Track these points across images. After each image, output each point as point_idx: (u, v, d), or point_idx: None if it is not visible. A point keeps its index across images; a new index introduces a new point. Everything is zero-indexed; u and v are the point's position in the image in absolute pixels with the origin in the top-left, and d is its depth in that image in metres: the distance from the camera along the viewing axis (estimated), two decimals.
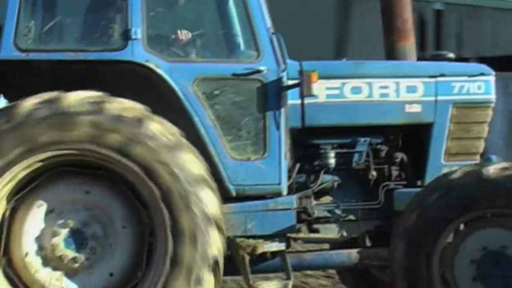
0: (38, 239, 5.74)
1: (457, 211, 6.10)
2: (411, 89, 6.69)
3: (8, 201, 5.73)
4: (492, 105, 6.88)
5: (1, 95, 6.27)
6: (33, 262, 5.71)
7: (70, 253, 5.73)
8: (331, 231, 6.60)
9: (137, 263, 5.79)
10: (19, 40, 5.91)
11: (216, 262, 5.65)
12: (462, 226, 6.29)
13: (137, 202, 5.79)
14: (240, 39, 6.58)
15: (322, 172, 6.58)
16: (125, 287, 5.77)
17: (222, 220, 5.72)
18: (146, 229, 5.79)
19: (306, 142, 6.63)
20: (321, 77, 6.28)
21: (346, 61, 6.97)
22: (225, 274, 5.91)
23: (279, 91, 6.21)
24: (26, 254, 5.71)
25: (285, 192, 6.27)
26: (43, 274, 5.72)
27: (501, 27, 17.54)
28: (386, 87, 6.65)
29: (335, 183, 6.65)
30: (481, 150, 6.87)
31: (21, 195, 5.75)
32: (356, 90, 6.59)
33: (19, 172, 5.63)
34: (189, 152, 5.69)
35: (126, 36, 5.96)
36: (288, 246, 6.41)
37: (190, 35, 6.30)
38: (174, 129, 5.72)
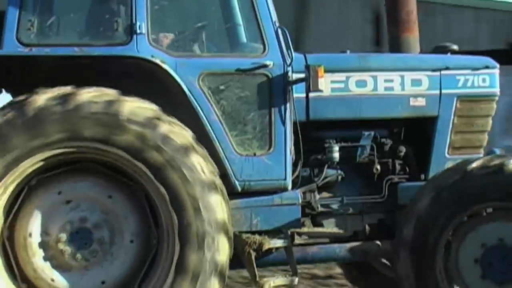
0: (46, 224, 5.67)
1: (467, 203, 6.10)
2: (416, 83, 6.66)
3: (28, 179, 5.64)
4: (497, 98, 6.86)
5: (3, 90, 6.17)
6: (34, 244, 5.65)
7: (72, 249, 5.68)
8: (335, 225, 6.59)
9: (132, 277, 5.74)
10: (22, 35, 5.81)
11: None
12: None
13: (151, 219, 5.75)
14: (246, 33, 6.53)
15: (326, 166, 6.56)
16: None
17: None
18: (151, 249, 5.76)
19: (310, 136, 6.59)
20: (326, 71, 6.23)
21: (350, 54, 6.91)
22: (230, 268, 5.89)
23: (285, 86, 6.18)
24: (30, 234, 5.65)
25: (290, 187, 6.25)
26: (39, 259, 5.67)
27: (454, 23, 17.95)
28: (391, 81, 6.62)
29: (339, 177, 6.64)
30: (484, 143, 6.87)
31: (43, 177, 5.67)
32: (361, 83, 6.56)
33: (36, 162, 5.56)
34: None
35: (131, 30, 5.88)
36: (292, 241, 6.40)
37: (172, 36, 6.22)
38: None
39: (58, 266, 5.68)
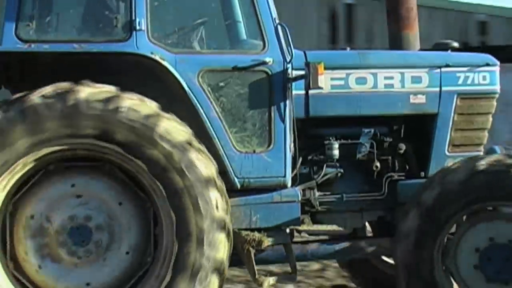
0: (51, 211, 5.63)
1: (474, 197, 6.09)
2: (416, 80, 6.64)
3: (47, 163, 5.61)
4: (497, 95, 6.84)
5: (2, 87, 6.15)
6: (33, 227, 5.62)
7: (68, 242, 5.64)
8: (334, 222, 6.58)
9: (118, 286, 5.70)
10: (21, 31, 5.79)
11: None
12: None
13: (153, 237, 5.72)
14: (246, 30, 6.51)
15: (326, 163, 6.55)
16: None
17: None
18: (143, 267, 5.72)
19: (310, 133, 6.58)
20: (325, 68, 6.21)
21: (350, 51, 6.89)
22: (229, 265, 5.88)
23: (285, 83, 6.16)
24: (32, 216, 5.62)
25: (289, 184, 6.24)
26: (33, 243, 5.62)
27: None
28: (391, 78, 6.60)
29: (339, 174, 6.62)
30: (485, 141, 6.85)
31: (62, 166, 5.65)
32: (361, 80, 6.54)
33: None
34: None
35: (130, 27, 5.86)
36: (292, 238, 6.39)
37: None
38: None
39: (49, 255, 5.63)
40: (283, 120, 6.16)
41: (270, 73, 6.12)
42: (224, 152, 6.03)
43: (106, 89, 5.55)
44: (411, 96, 6.64)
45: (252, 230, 6.12)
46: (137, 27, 5.85)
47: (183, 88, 5.88)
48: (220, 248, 5.59)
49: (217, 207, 5.58)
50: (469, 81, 6.73)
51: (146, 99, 5.60)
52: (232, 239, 5.73)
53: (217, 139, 6.00)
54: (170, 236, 5.59)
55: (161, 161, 5.52)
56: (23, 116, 5.41)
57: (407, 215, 6.13)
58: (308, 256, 6.76)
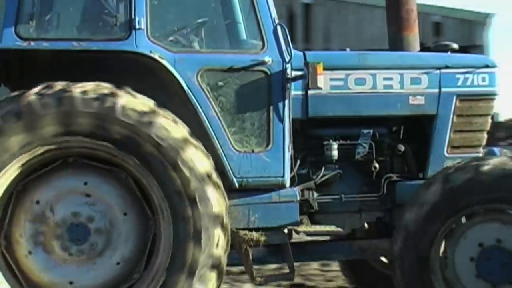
0: (57, 202, 5.62)
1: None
2: (416, 81, 6.64)
3: (68, 155, 5.61)
4: (496, 97, 6.84)
5: (1, 84, 6.16)
6: (35, 212, 5.60)
7: (64, 237, 5.62)
8: (333, 223, 6.57)
9: None
10: (21, 29, 5.79)
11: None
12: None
13: (147, 253, 5.70)
14: (245, 30, 6.51)
15: (325, 163, 6.55)
16: None
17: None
18: (129, 280, 5.70)
19: (309, 133, 6.59)
20: (325, 68, 6.21)
21: (350, 52, 6.89)
22: (227, 265, 5.87)
23: (284, 83, 6.16)
24: (37, 201, 5.61)
25: (288, 185, 6.24)
26: (30, 227, 5.61)
27: (365, 22, 18.20)
28: (390, 79, 6.60)
29: (338, 175, 6.62)
30: (483, 142, 6.84)
31: (81, 161, 5.65)
32: (360, 81, 6.54)
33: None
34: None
35: (130, 25, 5.87)
36: (290, 238, 6.38)
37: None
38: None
39: (43, 244, 5.61)
40: (282, 120, 6.16)
41: (269, 73, 6.12)
42: (223, 152, 6.03)
43: (145, 102, 5.57)
44: (410, 97, 6.64)
45: (250, 230, 6.11)
46: (137, 26, 5.86)
47: (182, 87, 5.88)
48: (209, 285, 5.58)
49: (217, 245, 5.58)
50: (468, 83, 6.73)
51: (179, 121, 5.63)
52: (223, 276, 5.72)
53: (215, 139, 6.00)
54: (164, 259, 5.58)
55: (177, 185, 5.52)
56: (60, 103, 5.42)
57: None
58: (306, 256, 6.78)
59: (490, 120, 6.86)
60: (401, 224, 6.16)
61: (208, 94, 6.01)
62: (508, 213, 6.17)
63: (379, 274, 7.45)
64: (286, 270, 6.31)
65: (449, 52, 6.85)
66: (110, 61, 5.83)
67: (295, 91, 6.31)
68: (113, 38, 5.87)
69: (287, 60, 6.13)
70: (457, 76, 6.71)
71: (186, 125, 5.69)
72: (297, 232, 6.56)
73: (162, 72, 5.86)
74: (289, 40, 6.19)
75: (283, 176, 6.18)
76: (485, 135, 6.86)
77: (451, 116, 6.69)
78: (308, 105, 6.43)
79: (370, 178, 6.66)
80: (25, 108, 5.42)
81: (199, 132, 5.83)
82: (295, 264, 6.33)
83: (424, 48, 7.14)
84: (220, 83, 6.07)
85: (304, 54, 6.40)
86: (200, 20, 6.27)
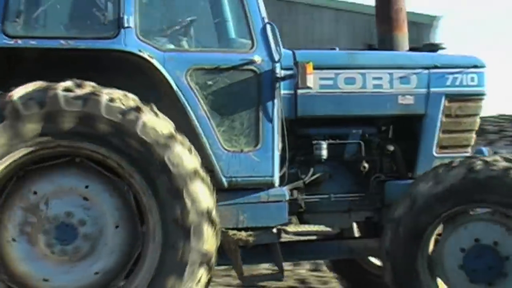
0: (53, 198, 5.55)
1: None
2: (405, 81, 6.65)
3: (77, 154, 5.56)
4: (485, 97, 6.86)
5: None
6: (30, 202, 5.54)
7: (50, 233, 5.54)
8: (322, 223, 6.56)
9: None
10: (8, 26, 5.72)
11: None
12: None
13: (130, 265, 5.66)
14: (235, 29, 6.48)
15: (314, 163, 6.54)
16: None
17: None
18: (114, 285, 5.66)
19: (298, 133, 6.57)
20: (314, 68, 6.20)
21: (339, 51, 6.88)
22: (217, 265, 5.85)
23: (273, 82, 6.14)
24: (35, 192, 5.55)
25: (277, 184, 6.22)
26: (20, 216, 5.53)
27: (315, 23, 18.40)
28: (379, 78, 6.60)
29: (327, 175, 6.61)
30: (472, 142, 6.87)
31: (89, 164, 5.61)
32: (349, 80, 6.53)
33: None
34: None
35: (118, 24, 5.82)
36: (279, 238, 6.36)
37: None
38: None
39: (28, 235, 5.53)
40: (271, 120, 6.14)
41: (258, 72, 6.10)
42: (212, 151, 5.99)
43: (166, 124, 5.55)
44: (399, 96, 6.65)
45: (239, 229, 6.08)
46: (125, 24, 5.81)
47: (171, 86, 5.85)
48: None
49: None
50: (457, 83, 6.74)
51: (194, 151, 5.62)
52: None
53: (204, 138, 5.97)
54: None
55: (176, 214, 5.50)
56: (85, 104, 5.40)
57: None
58: (296, 256, 6.78)
59: (478, 120, 6.87)
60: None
61: (197, 93, 5.97)
62: None
63: (368, 274, 7.45)
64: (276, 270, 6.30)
65: (438, 52, 6.87)
66: (99, 60, 5.78)
67: (284, 90, 6.29)
68: (101, 37, 5.81)
69: (276, 59, 6.11)
70: (446, 76, 6.72)
71: (175, 124, 5.65)
72: (286, 232, 6.55)
73: (151, 71, 5.82)
74: (279, 39, 6.16)
75: (272, 176, 6.15)
76: (474, 135, 6.88)
77: (440, 116, 6.70)
78: (297, 105, 6.42)
79: (359, 177, 6.66)
80: (50, 99, 5.36)
81: (188, 131, 5.79)
82: (291, 268, 6.31)
83: (412, 48, 7.15)
84: (210, 82, 6.04)
85: (294, 53, 6.38)
86: (189, 19, 6.25)
